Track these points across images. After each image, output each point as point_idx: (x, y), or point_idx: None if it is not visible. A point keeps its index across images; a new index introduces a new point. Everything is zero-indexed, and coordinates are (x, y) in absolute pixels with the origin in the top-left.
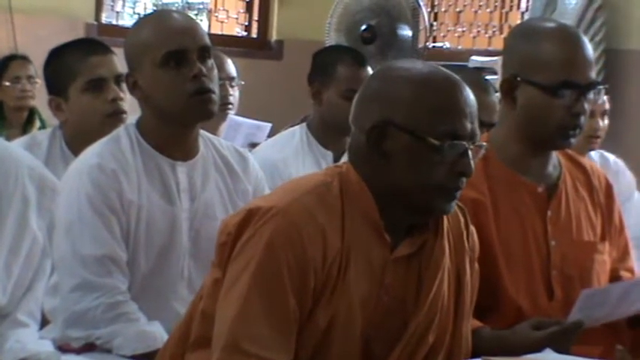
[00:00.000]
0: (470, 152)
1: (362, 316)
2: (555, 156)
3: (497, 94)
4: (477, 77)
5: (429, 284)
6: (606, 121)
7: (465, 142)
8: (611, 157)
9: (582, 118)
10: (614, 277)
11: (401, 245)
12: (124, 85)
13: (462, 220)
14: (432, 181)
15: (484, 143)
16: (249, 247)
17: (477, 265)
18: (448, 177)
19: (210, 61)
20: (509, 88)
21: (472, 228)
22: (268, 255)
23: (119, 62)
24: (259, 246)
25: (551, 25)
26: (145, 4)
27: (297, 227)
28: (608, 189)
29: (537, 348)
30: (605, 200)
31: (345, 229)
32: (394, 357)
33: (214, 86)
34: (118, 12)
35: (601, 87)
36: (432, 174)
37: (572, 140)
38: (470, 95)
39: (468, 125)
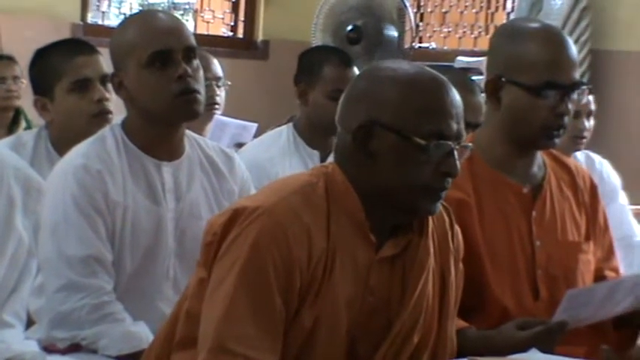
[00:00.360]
0: (455, 152)
1: (347, 317)
2: (540, 156)
3: (483, 95)
4: (462, 78)
5: (414, 284)
6: (592, 122)
7: (450, 143)
8: (596, 157)
9: (566, 119)
10: (599, 277)
11: (385, 246)
12: (109, 85)
13: (447, 220)
14: (418, 181)
15: (470, 144)
16: (234, 247)
17: (461, 265)
18: (434, 177)
19: (196, 62)
20: (493, 88)
21: (457, 228)
22: (254, 255)
23: (105, 62)
24: (245, 246)
25: (535, 25)
26: (130, 4)
27: (283, 227)
28: (593, 189)
29: (522, 348)
30: (589, 200)
31: (330, 229)
32: (379, 357)
33: (200, 87)
34: (103, 12)
35: (585, 87)
36: (418, 174)
37: (557, 140)
38: (456, 96)
39: (454, 125)
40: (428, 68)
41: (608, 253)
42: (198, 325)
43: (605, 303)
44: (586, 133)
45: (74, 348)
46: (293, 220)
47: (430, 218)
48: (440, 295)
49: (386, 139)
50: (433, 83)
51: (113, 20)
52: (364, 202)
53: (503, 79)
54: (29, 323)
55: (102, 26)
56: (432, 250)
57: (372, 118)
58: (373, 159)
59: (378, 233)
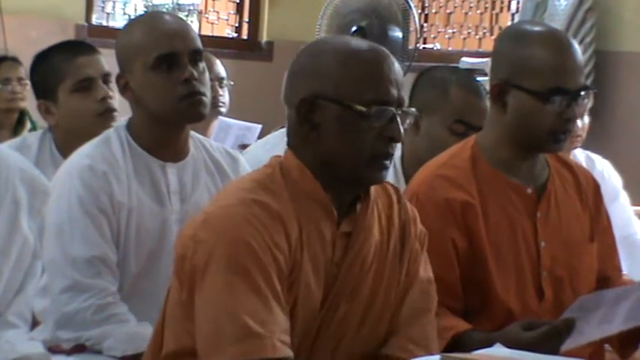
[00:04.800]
0: (398, 118)
1: (318, 292)
2: (543, 157)
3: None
4: (468, 80)
5: (356, 256)
6: (587, 120)
7: (392, 108)
8: (597, 158)
9: (572, 123)
10: (602, 277)
11: (344, 221)
12: (112, 84)
13: (394, 196)
14: (363, 149)
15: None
16: (216, 251)
17: (420, 232)
18: (377, 143)
19: (202, 64)
20: (499, 92)
21: (406, 203)
22: (239, 249)
23: (107, 63)
24: (228, 243)
25: (541, 29)
26: (135, 5)
27: (258, 219)
28: (596, 189)
29: (528, 349)
30: (593, 200)
31: (297, 212)
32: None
33: (205, 89)
34: (108, 13)
35: (590, 91)
36: (362, 141)
37: (563, 144)
38: (395, 63)
39: (394, 91)
40: (367, 41)
41: (611, 252)
42: (184, 332)
43: (612, 310)
44: (581, 132)
45: (79, 349)
46: (263, 209)
47: (375, 195)
48: (390, 268)
49: (328, 110)
50: (371, 52)
51: (118, 21)
52: (320, 179)
53: (509, 84)
54: (34, 324)
55: (107, 27)
56: (376, 223)
57: (313, 91)
58: (318, 131)
59: (339, 209)
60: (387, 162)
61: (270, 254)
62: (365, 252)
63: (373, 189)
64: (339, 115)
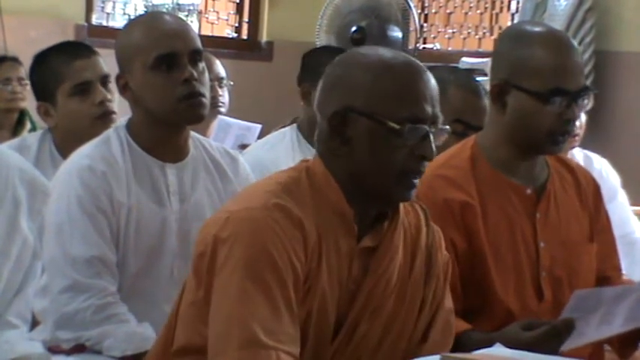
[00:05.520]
0: (431, 136)
1: (333, 306)
2: (543, 157)
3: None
4: (468, 80)
5: (376, 272)
6: (583, 118)
7: (425, 126)
8: (595, 157)
9: (572, 124)
10: (601, 277)
11: (366, 236)
12: (110, 86)
13: (423, 217)
14: (393, 165)
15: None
16: (235, 251)
17: (445, 256)
18: (409, 161)
19: (202, 65)
20: (499, 92)
21: (434, 226)
22: (258, 251)
23: (105, 62)
24: (246, 245)
25: (541, 30)
26: (135, 5)
27: (278, 222)
28: (595, 189)
29: (528, 349)
30: (592, 200)
31: (317, 221)
32: (358, 337)
33: (205, 90)
34: (108, 13)
35: (591, 92)
36: (393, 158)
37: (562, 145)
38: (430, 79)
39: (429, 109)
40: (403, 53)
41: (611, 252)
42: (195, 333)
43: (612, 310)
44: (579, 130)
45: (79, 349)
46: (285, 215)
47: (404, 213)
48: (411, 288)
49: (361, 124)
50: (406, 67)
51: (118, 21)
52: (345, 192)
53: (509, 84)
54: (34, 324)
55: (106, 27)
56: (401, 242)
57: (346, 104)
58: (349, 145)
59: (360, 223)
60: (417, 180)
61: (288, 263)
62: (390, 271)
63: (402, 206)
64: (371, 131)
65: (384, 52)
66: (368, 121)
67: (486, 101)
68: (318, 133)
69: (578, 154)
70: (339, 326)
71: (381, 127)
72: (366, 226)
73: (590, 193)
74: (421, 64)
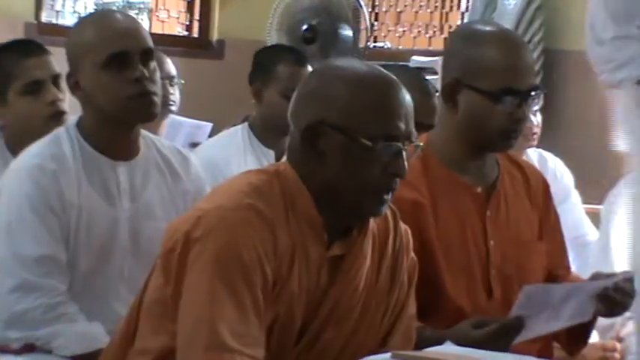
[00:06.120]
0: (404, 153)
1: (299, 313)
2: (493, 156)
3: (438, 94)
4: (417, 78)
5: (344, 281)
6: (539, 117)
7: (398, 143)
8: (549, 156)
9: (523, 123)
10: (551, 276)
11: (336, 245)
12: (62, 84)
13: (391, 221)
14: (365, 181)
15: (420, 143)
16: (206, 251)
17: (413, 259)
18: (381, 178)
19: (153, 64)
20: (451, 91)
21: (403, 228)
22: (227, 252)
23: (56, 61)
24: (217, 246)
25: (493, 29)
26: (85, 3)
27: (249, 224)
28: (545, 188)
29: (478, 346)
30: (542, 199)
31: (289, 226)
32: (320, 344)
33: (157, 89)
34: (58, 11)
35: (541, 92)
36: (365, 174)
37: (513, 142)
38: (405, 96)
39: (402, 126)
40: (379, 68)
41: (560, 251)
42: (162, 330)
43: (562, 306)
44: (536, 129)
45: (28, 348)
46: (257, 216)
47: (372, 220)
48: (377, 294)
49: (334, 139)
50: (381, 83)
51: (68, 19)
52: (316, 200)
53: (460, 83)
54: None
55: (56, 25)
56: (369, 250)
57: (320, 118)
58: (322, 158)
59: (330, 231)
60: (388, 197)
61: (258, 265)
62: (358, 279)
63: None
64: (344, 146)
65: (361, 66)
66: (341, 136)
67: (437, 100)
68: (291, 141)
69: (532, 154)
70: (303, 332)
71: (353, 143)
72: (336, 234)
73: (539, 192)
74: (395, 78)
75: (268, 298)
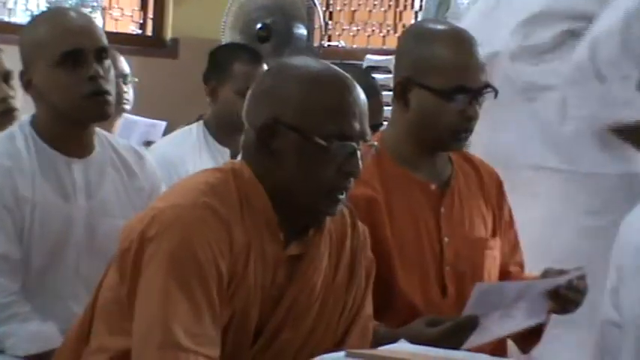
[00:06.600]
0: (359, 153)
1: (255, 312)
2: (446, 154)
3: (385, 94)
4: (364, 78)
5: (301, 280)
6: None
7: (353, 143)
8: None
9: (474, 121)
10: (504, 272)
11: (292, 244)
12: (13, 82)
13: (349, 220)
14: (320, 181)
15: (375, 143)
16: (160, 250)
17: (369, 256)
18: (336, 177)
19: (107, 62)
20: (402, 90)
21: (361, 227)
22: (182, 251)
23: (9, 59)
24: (171, 245)
25: (444, 28)
26: (37, 1)
27: (205, 222)
28: (499, 185)
29: (432, 344)
30: (495, 196)
31: (245, 224)
32: (277, 345)
33: (111, 87)
34: (10, 9)
35: (491, 90)
36: (320, 174)
37: (464, 142)
38: (360, 95)
39: (357, 125)
40: (334, 67)
41: (514, 247)
42: (118, 330)
43: (516, 305)
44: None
45: None
46: (212, 214)
47: (329, 218)
48: (335, 293)
49: (288, 138)
50: (336, 82)
51: (20, 17)
52: (272, 199)
53: (412, 82)
54: None
55: (8, 23)
56: (327, 249)
57: (274, 117)
58: (276, 158)
59: (287, 230)
60: (342, 197)
61: (213, 264)
62: (315, 279)
63: None
64: (298, 145)
65: (316, 66)
66: (295, 136)
67: (382, 99)
68: (245, 140)
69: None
70: (260, 333)
71: (308, 143)
72: (292, 234)
73: (493, 189)
74: (351, 78)
75: (224, 297)
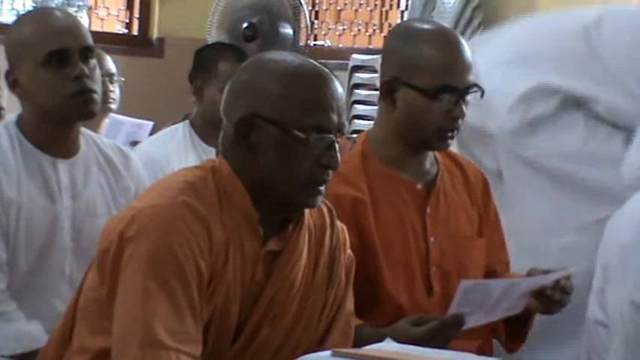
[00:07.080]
0: (337, 145)
1: (235, 308)
2: (433, 153)
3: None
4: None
5: (280, 276)
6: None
7: (331, 135)
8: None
9: (460, 121)
10: (490, 271)
11: (272, 240)
12: (1, 82)
13: (328, 218)
14: (298, 173)
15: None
16: (140, 248)
17: (349, 255)
18: (314, 169)
19: (93, 61)
20: (388, 89)
21: (339, 225)
22: (162, 250)
23: None
24: (151, 243)
25: (430, 27)
26: (23, 0)
27: (183, 221)
28: (485, 184)
29: (418, 344)
30: (481, 196)
31: (224, 222)
32: (257, 341)
33: (96, 87)
34: None
35: (477, 90)
36: (298, 167)
37: (450, 142)
38: (338, 88)
39: (335, 118)
40: (311, 60)
41: (499, 247)
42: (99, 330)
43: (500, 302)
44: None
45: None
46: (191, 213)
47: (308, 215)
48: (313, 289)
49: (267, 131)
50: (313, 76)
51: (6, 17)
52: (252, 194)
53: (398, 81)
54: None
55: None
56: (305, 245)
57: (253, 110)
58: (255, 151)
59: (266, 226)
60: (322, 188)
61: (193, 263)
62: (294, 275)
63: (307, 209)
64: (277, 138)
65: (293, 59)
66: (274, 129)
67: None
68: (224, 136)
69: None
70: (240, 329)
71: (286, 135)
72: (271, 230)
73: (479, 188)
74: (329, 72)
75: (204, 295)
